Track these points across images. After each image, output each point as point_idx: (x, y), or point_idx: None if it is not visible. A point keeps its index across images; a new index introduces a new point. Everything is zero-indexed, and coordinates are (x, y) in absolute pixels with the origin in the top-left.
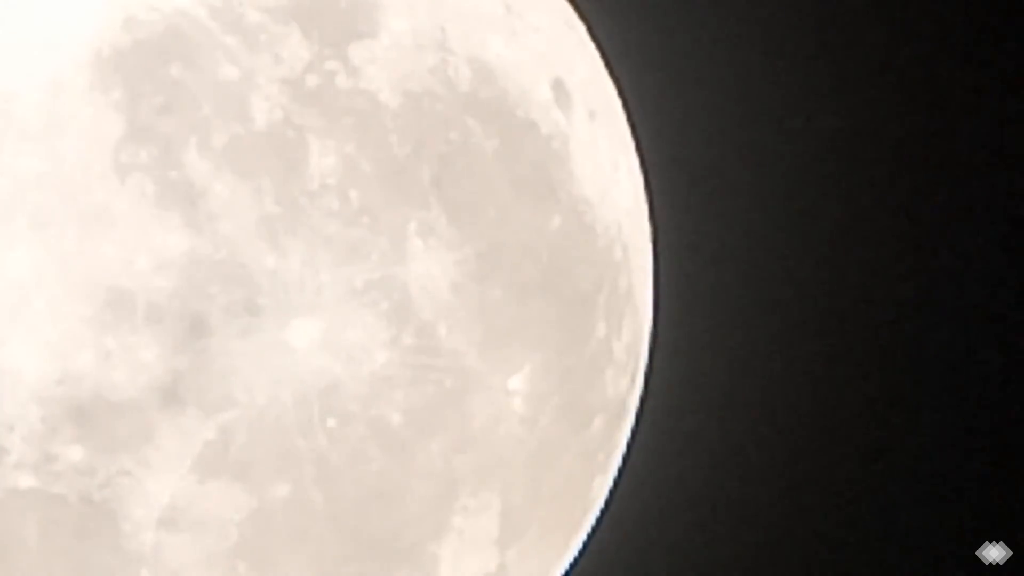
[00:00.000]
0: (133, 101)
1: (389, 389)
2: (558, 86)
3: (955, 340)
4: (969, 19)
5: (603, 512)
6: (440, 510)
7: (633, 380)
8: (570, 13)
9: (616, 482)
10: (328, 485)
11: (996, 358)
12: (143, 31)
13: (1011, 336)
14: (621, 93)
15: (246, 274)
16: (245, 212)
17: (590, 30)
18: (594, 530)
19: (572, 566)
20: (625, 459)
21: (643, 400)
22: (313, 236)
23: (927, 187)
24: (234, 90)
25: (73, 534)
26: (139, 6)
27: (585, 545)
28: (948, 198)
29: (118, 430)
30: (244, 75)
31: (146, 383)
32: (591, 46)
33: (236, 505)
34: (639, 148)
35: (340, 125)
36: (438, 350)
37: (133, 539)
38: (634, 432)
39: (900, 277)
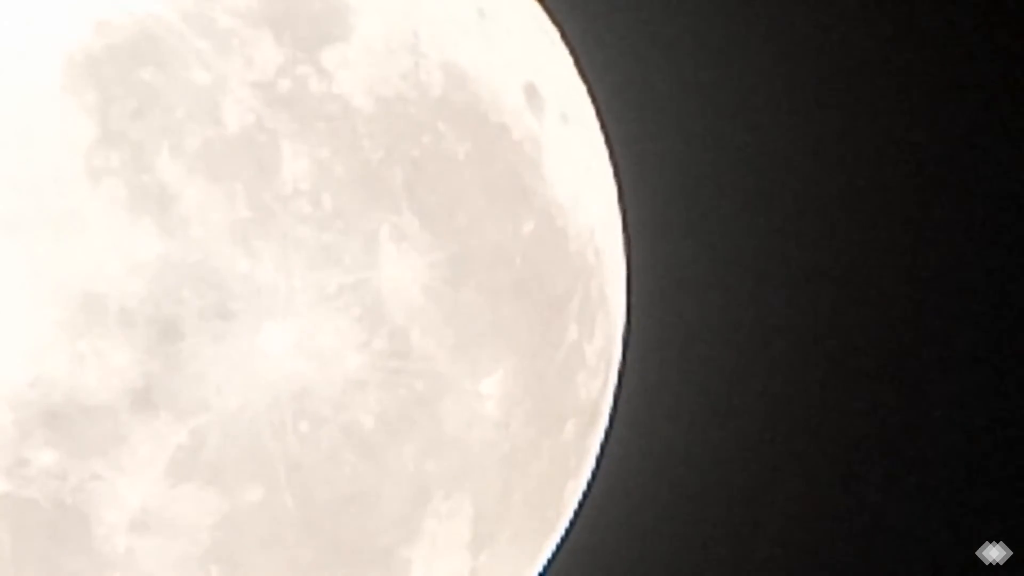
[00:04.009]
0: (105, 105)
1: (361, 393)
2: (530, 90)
3: (953, 339)
4: (946, 19)
5: (576, 517)
6: (412, 514)
7: (605, 384)
8: (543, 17)
9: (589, 486)
10: (300, 489)
11: (996, 358)
12: (115, 35)
13: (1010, 336)
14: (594, 97)
15: (218, 278)
16: (217, 216)
17: (563, 34)
18: (567, 534)
19: (544, 570)
20: (598, 463)
21: (615, 404)
22: (286, 240)
23: (905, 189)
24: (206, 94)
25: (45, 538)
26: (111, 10)
27: (558, 549)
28: (925, 197)
29: (90, 434)
30: (216, 79)
31: (118, 387)
32: (564, 50)
33: (208, 509)
34: (612, 152)
35: (312, 129)
36: (410, 354)
37: (105, 543)
38: (607, 436)
39: (897, 279)
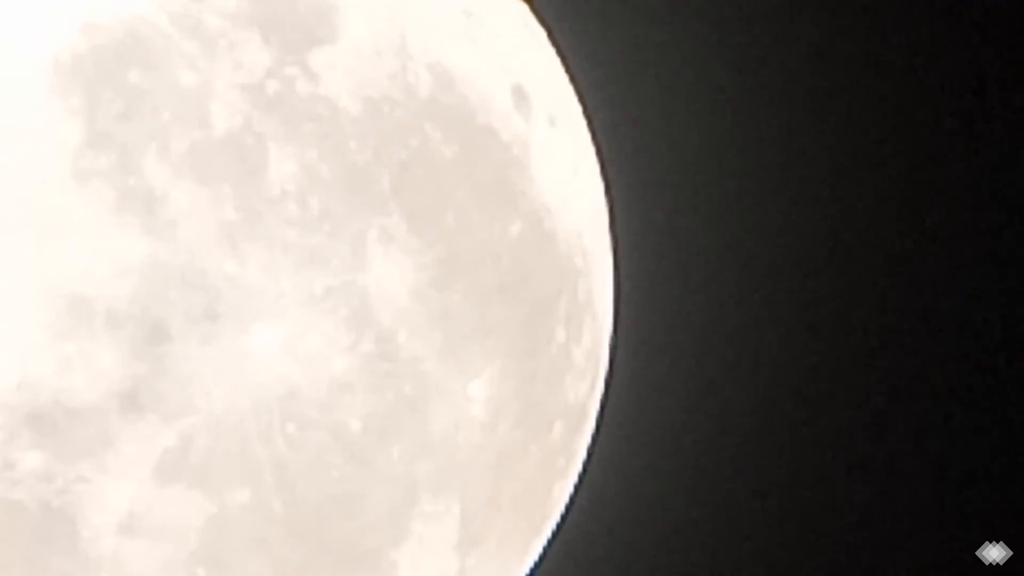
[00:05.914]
0: (92, 107)
1: (349, 395)
2: (518, 92)
3: (952, 339)
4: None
5: (563, 518)
6: (400, 516)
7: (593, 386)
8: (530, 18)
9: (576, 488)
10: (287, 491)
11: (996, 357)
12: (102, 37)
13: (1010, 335)
14: (581, 99)
15: (206, 280)
16: (205, 218)
17: (550, 35)
18: (554, 536)
19: (532, 572)
20: (585, 465)
21: (603, 406)
22: (273, 242)
23: (896, 186)
24: (193, 96)
25: (32, 540)
26: (98, 11)
27: (545, 551)
28: (917, 194)
29: (77, 436)
30: (203, 81)
31: (105, 389)
32: (551, 52)
33: (195, 511)
34: (599, 154)
35: (300, 131)
36: (397, 356)
37: (92, 545)
38: (594, 438)
39: (893, 277)
